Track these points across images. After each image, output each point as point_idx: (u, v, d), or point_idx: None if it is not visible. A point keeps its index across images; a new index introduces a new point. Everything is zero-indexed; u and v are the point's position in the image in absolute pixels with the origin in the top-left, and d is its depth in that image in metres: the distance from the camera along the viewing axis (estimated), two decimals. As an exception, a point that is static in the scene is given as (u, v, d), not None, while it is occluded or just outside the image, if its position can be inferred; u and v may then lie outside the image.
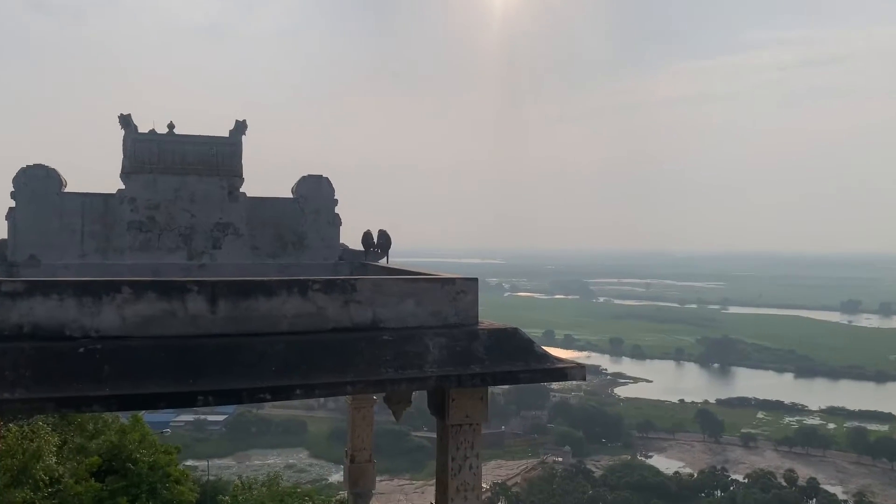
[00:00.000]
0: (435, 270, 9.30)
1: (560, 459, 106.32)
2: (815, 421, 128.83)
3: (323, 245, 12.64)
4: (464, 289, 7.96)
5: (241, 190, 12.04)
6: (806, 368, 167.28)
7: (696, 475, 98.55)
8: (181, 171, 11.39)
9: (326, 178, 12.93)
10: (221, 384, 6.33)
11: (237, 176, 11.86)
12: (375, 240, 13.55)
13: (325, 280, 7.47)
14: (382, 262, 13.20)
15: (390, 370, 6.98)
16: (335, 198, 13.03)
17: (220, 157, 11.53)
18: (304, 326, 7.23)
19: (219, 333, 6.90)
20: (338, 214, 13.05)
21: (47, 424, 15.73)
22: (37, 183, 10.46)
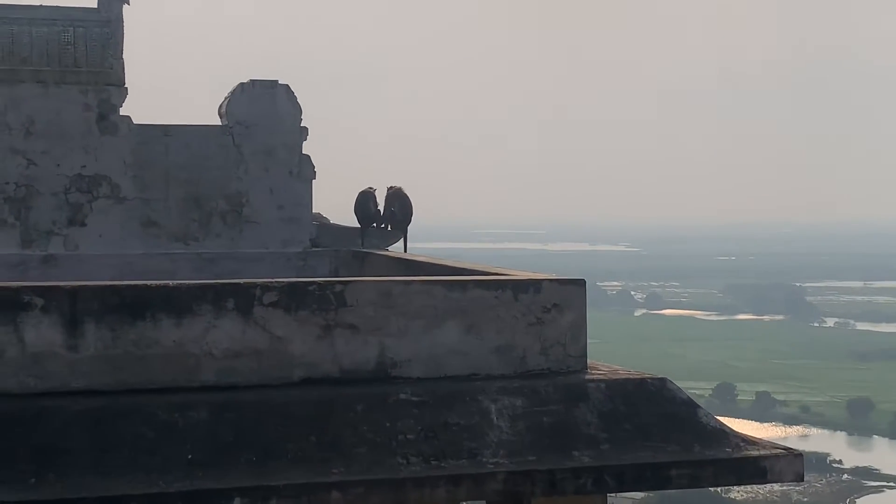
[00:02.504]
0: (498, 266, 9.27)
1: None
2: None
3: (280, 217, 12.72)
4: (558, 301, 7.97)
5: (124, 112, 12.18)
6: None
7: None
8: (9, 75, 11.56)
9: (286, 87, 12.98)
10: (90, 488, 6.41)
11: (116, 84, 11.99)
12: (383, 208, 13.59)
13: (287, 284, 7.54)
14: (396, 247, 13.22)
15: (415, 461, 7.02)
16: (303, 125, 13.08)
17: (83, 47, 11.67)
18: (249, 375, 7.31)
19: (84, 389, 7.01)
20: (308, 158, 13.11)
21: None
22: None
